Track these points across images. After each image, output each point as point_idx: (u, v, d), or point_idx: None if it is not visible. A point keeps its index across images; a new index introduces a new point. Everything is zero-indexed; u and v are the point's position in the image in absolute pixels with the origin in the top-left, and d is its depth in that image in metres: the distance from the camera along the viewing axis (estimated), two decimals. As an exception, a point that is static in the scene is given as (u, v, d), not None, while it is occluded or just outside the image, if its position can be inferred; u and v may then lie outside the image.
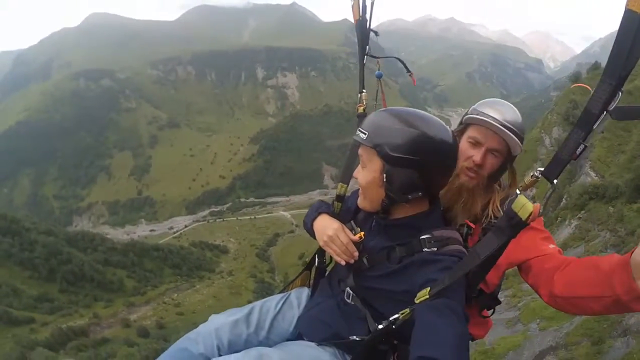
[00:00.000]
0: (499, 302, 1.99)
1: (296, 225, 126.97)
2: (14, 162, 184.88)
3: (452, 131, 1.72)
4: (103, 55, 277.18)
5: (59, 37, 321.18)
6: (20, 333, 50.43)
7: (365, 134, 1.60)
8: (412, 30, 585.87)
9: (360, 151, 1.68)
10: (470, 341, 2.00)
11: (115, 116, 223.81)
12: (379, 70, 2.24)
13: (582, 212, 24.47)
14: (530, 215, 1.35)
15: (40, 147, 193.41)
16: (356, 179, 1.74)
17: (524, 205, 1.36)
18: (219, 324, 1.92)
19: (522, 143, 1.89)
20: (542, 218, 1.83)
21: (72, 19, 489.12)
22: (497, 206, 1.88)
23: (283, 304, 2.11)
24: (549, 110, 54.19)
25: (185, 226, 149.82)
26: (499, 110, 1.89)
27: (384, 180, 1.60)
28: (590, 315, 1.28)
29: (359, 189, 1.79)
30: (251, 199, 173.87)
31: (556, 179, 1.34)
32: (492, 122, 1.85)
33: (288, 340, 1.99)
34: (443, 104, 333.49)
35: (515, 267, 1.86)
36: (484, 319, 2.04)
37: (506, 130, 1.82)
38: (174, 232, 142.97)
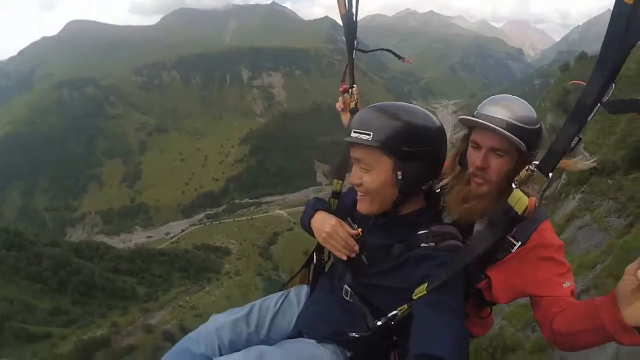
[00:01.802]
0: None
1: (294, 223, 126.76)
2: (2, 175, 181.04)
3: (440, 125, 1.72)
4: (85, 63, 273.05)
5: (39, 47, 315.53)
6: (39, 349, 49.76)
7: (368, 134, 1.55)
8: (393, 25, 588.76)
9: (359, 154, 1.63)
10: (472, 338, 2.03)
11: (102, 124, 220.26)
12: (355, 51, 2.14)
13: (585, 186, 27.23)
14: (526, 209, 1.35)
15: (28, 159, 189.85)
16: (357, 185, 1.68)
17: (520, 199, 1.36)
18: (220, 323, 1.90)
19: (533, 136, 1.73)
20: (563, 246, 1.77)
21: (50, 28, 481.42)
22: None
23: (282, 302, 2.08)
24: (542, 98, 56.66)
25: (182, 230, 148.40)
26: (502, 105, 1.77)
27: (398, 177, 1.59)
28: (585, 348, 1.47)
29: (356, 192, 1.76)
30: (246, 200, 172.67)
31: (551, 172, 1.32)
32: (482, 120, 1.75)
33: (289, 338, 1.96)
34: (428, 96, 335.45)
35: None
36: (486, 319, 1.99)
37: (493, 126, 1.68)
38: (172, 237, 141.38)
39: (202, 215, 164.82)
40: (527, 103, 1.83)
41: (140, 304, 66.94)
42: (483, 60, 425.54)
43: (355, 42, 2.10)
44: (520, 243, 1.65)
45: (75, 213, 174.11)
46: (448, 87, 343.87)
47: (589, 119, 1.20)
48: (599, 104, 1.15)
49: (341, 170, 2.03)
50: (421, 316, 1.44)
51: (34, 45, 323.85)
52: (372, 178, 1.62)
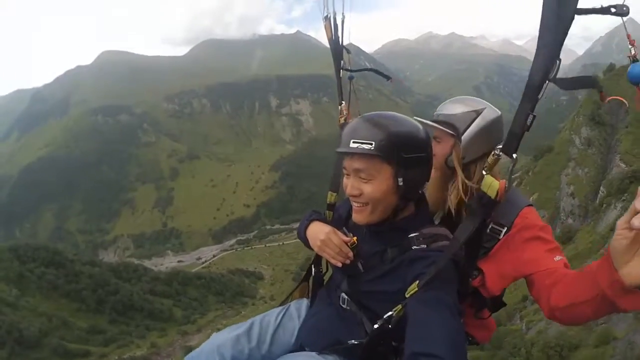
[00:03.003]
0: (504, 305, 2.01)
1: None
2: (37, 196, 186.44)
3: (426, 130, 1.78)
4: (118, 91, 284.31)
5: (74, 75, 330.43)
6: (78, 367, 48.64)
7: (370, 143, 1.55)
8: (416, 49, 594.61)
9: (359, 164, 1.62)
10: (475, 344, 2.13)
11: (135, 150, 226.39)
12: (350, 73, 2.31)
13: (625, 194, 27.86)
14: (497, 192, 1.39)
15: (62, 182, 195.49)
16: (356, 196, 1.66)
17: (491, 184, 1.40)
18: (221, 340, 1.92)
19: (461, 122, 1.95)
20: (548, 227, 1.81)
21: (85, 57, 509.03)
22: (463, 190, 1.91)
23: (283, 316, 2.09)
24: (575, 113, 56.52)
25: (214, 256, 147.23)
26: (443, 105, 2.07)
27: (400, 184, 1.60)
28: (584, 322, 1.50)
29: (350, 203, 1.77)
30: (277, 226, 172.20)
31: (515, 153, 1.34)
32: (420, 119, 1.93)
33: (291, 352, 1.97)
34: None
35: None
36: (486, 322, 2.04)
37: (424, 121, 1.94)
38: (203, 262, 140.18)
39: (233, 240, 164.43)
40: (461, 99, 2.07)
41: (177, 326, 65.27)
42: (507, 79, 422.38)
43: (342, 62, 2.26)
44: (506, 229, 1.71)
45: (108, 236, 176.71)
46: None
47: (539, 96, 1.24)
48: (547, 82, 1.20)
49: (335, 182, 2.06)
50: (414, 314, 1.45)
51: (69, 73, 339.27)
52: (374, 187, 1.61)
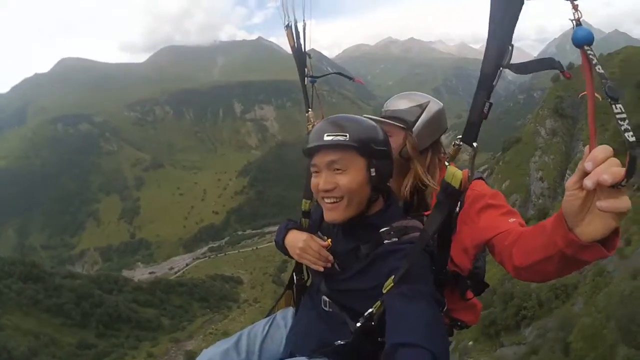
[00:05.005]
0: (487, 286, 2.05)
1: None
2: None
3: None
4: (78, 99, 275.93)
5: (31, 83, 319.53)
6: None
7: (345, 135, 1.58)
8: (376, 54, 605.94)
9: (334, 156, 1.63)
10: (465, 327, 2.16)
11: (97, 160, 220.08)
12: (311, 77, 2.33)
13: None
14: (461, 182, 1.39)
15: (22, 195, 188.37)
16: (330, 190, 1.64)
17: (454, 173, 1.41)
18: (210, 355, 1.95)
19: (409, 115, 2.07)
20: (501, 194, 1.88)
21: (42, 64, 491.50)
22: (421, 179, 2.01)
23: (270, 326, 2.13)
24: (540, 107, 63.22)
25: (187, 264, 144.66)
26: (388, 102, 2.20)
27: (372, 175, 1.63)
28: (551, 279, 1.48)
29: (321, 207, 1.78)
30: (248, 231, 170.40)
31: (475, 141, 1.35)
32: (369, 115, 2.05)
33: (281, 359, 2.00)
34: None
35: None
36: (472, 304, 2.07)
37: (376, 117, 2.06)
38: (176, 272, 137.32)
39: (205, 248, 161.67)
40: (408, 93, 2.22)
41: (167, 334, 64.40)
42: (466, 81, 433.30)
43: (306, 70, 2.26)
44: (459, 204, 1.65)
45: (74, 250, 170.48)
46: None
47: (494, 84, 1.24)
48: (500, 68, 1.20)
49: (308, 189, 2.00)
50: (392, 308, 1.46)
51: (27, 82, 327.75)
52: (349, 178, 1.62)
